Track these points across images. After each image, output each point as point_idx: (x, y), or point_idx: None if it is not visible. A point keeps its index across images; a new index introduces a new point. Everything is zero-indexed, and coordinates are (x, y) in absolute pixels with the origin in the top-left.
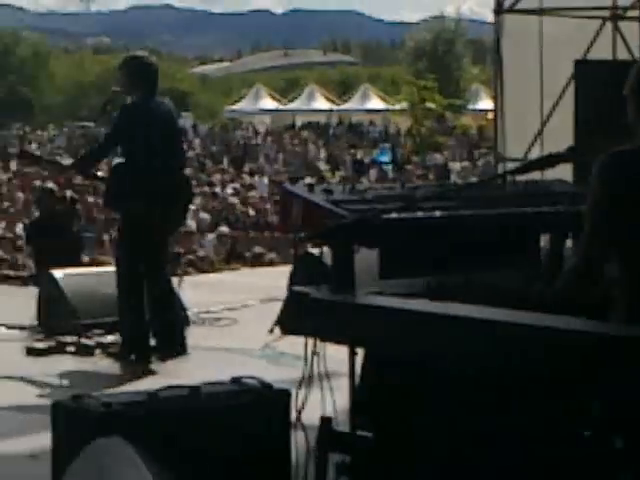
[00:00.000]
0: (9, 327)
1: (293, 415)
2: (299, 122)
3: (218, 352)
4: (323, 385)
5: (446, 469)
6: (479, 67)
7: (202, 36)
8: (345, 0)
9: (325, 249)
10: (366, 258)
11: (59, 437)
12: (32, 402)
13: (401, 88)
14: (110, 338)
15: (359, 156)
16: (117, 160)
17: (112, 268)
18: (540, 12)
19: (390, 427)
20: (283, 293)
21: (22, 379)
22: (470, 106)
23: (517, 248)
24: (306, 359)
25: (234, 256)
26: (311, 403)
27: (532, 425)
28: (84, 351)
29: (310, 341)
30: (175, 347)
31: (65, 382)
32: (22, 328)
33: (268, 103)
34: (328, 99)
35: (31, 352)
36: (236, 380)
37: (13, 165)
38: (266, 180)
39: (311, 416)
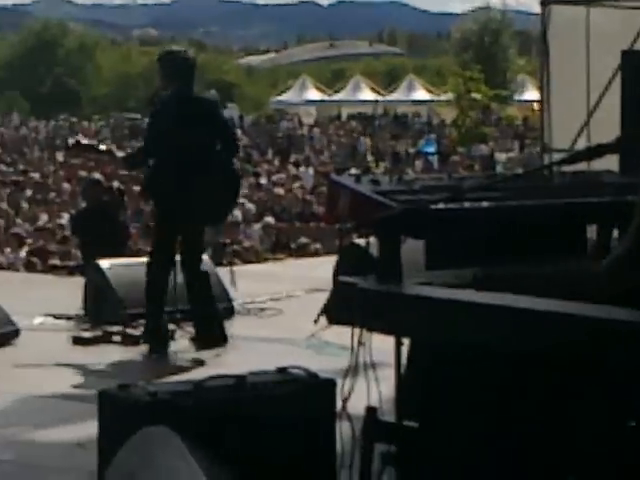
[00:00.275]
0: (56, 317)
1: (339, 405)
2: (344, 113)
3: (263, 342)
4: (369, 375)
5: (493, 459)
6: (525, 58)
7: (248, 27)
8: None
9: (371, 240)
10: (411, 249)
11: (105, 426)
12: (79, 391)
13: (447, 79)
14: None
15: (403, 147)
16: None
17: None
18: (587, 3)
19: (436, 417)
20: (328, 284)
21: (69, 368)
22: (516, 97)
23: (564, 239)
24: (352, 349)
25: (279, 246)
26: (357, 393)
27: (581, 414)
28: (130, 340)
29: (356, 331)
30: (213, 337)
31: (111, 371)
32: (69, 318)
33: (314, 94)
34: (374, 90)
35: (78, 342)
36: (282, 370)
37: (60, 156)
38: (311, 171)
39: (357, 406)
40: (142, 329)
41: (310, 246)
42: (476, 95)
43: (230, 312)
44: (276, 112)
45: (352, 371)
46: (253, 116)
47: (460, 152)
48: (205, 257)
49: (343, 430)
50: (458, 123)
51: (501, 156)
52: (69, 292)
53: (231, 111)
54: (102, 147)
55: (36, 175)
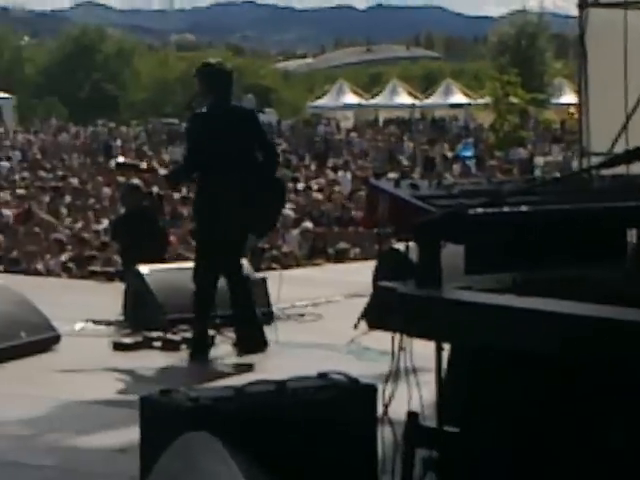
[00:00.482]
0: (96, 322)
1: (380, 410)
2: (382, 117)
3: (303, 347)
4: (410, 380)
5: (536, 466)
6: (562, 61)
7: (285, 32)
8: None
9: (411, 244)
10: (450, 253)
11: (147, 431)
12: (120, 397)
13: (484, 83)
14: None
15: (438, 152)
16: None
17: None
18: (625, 5)
19: (477, 422)
20: (367, 288)
21: (110, 374)
22: (553, 100)
23: (603, 243)
24: (392, 354)
25: (317, 251)
26: (398, 398)
27: (630, 422)
28: (170, 346)
29: (396, 336)
30: (254, 342)
31: (152, 377)
32: (109, 323)
33: (351, 98)
34: (411, 94)
35: (118, 347)
36: (322, 375)
37: (99, 160)
38: (349, 176)
39: (398, 411)
40: (183, 334)
41: (349, 251)
42: (513, 99)
43: (270, 317)
44: (313, 117)
45: (393, 376)
46: (291, 121)
47: (498, 156)
48: (244, 262)
49: (384, 435)
50: (496, 127)
51: (539, 160)
52: (109, 298)
53: (269, 116)
54: (144, 165)
55: (75, 181)
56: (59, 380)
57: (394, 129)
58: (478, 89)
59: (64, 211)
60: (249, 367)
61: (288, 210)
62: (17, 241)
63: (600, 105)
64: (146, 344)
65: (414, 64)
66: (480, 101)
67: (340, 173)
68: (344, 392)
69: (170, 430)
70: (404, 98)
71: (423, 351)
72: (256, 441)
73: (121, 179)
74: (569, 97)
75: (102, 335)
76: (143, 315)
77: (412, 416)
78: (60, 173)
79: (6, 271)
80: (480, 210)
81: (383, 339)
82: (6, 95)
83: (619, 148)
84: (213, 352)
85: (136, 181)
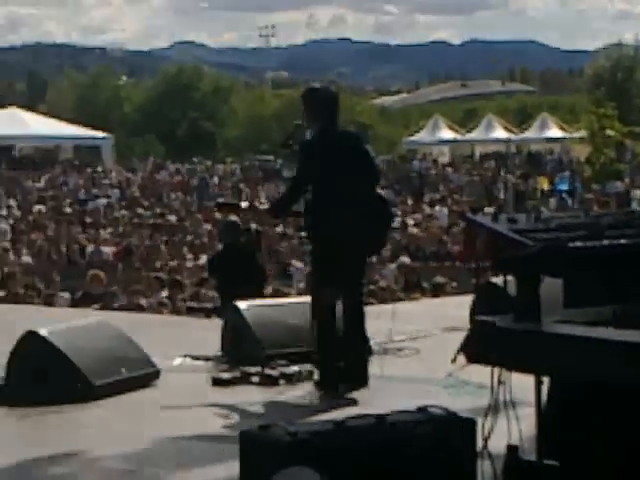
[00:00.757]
0: (194, 358)
1: (479, 443)
2: (477, 152)
3: (402, 382)
4: (509, 414)
5: None
6: None
7: (379, 68)
8: (521, 29)
9: (509, 278)
10: (548, 287)
11: (247, 466)
12: (219, 432)
13: (580, 116)
14: (294, 368)
15: (530, 186)
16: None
17: (295, 299)
18: None
19: (577, 455)
20: (464, 322)
21: (209, 409)
22: None
23: None
24: (492, 388)
25: (413, 286)
26: (497, 432)
27: None
28: (268, 381)
29: (495, 370)
30: (360, 377)
31: (251, 412)
32: (207, 359)
33: (447, 133)
34: (506, 129)
35: (217, 382)
36: (421, 409)
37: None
38: (446, 210)
39: (497, 445)
40: (281, 370)
41: (446, 285)
42: (610, 132)
43: (368, 352)
44: (409, 152)
45: (492, 410)
46: (387, 156)
47: (594, 189)
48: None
49: (484, 469)
50: (592, 160)
51: (636, 193)
52: (206, 333)
53: None
54: (244, 205)
55: (173, 218)
56: (159, 416)
57: (490, 163)
58: (574, 122)
59: (163, 248)
60: (347, 402)
61: None
62: (116, 278)
63: None
64: (244, 379)
65: (509, 98)
66: (576, 134)
67: (437, 208)
68: (443, 426)
69: (270, 465)
70: (500, 132)
71: (522, 384)
72: (355, 475)
73: (218, 215)
74: None
75: (200, 371)
76: (241, 350)
77: (512, 450)
78: (158, 210)
79: (106, 307)
80: (579, 243)
81: (482, 373)
82: (105, 134)
83: None
84: (311, 386)
85: (234, 218)
